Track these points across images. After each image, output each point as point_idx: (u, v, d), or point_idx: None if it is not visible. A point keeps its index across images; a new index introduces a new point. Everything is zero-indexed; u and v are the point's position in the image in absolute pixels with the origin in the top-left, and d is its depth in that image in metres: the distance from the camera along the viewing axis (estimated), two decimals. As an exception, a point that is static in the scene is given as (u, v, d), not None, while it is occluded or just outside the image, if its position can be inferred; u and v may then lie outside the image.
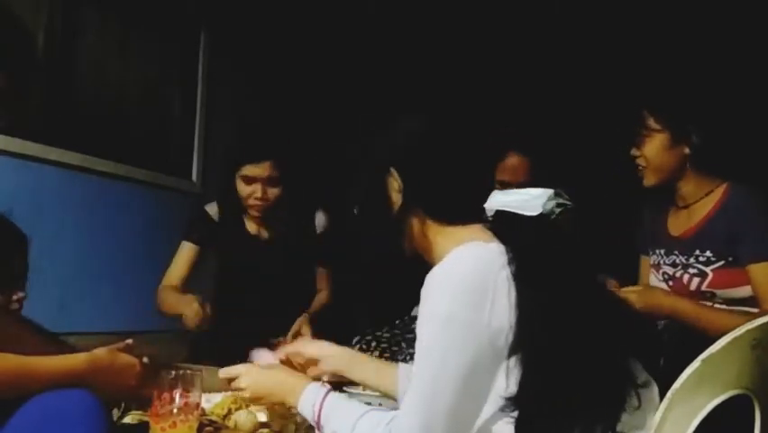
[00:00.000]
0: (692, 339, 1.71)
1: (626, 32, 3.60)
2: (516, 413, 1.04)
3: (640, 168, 1.87)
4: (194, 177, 3.49)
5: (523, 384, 1.04)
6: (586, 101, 3.71)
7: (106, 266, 2.96)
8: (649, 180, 1.86)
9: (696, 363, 0.99)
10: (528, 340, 1.04)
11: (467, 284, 1.05)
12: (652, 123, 1.81)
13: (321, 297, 2.49)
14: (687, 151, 1.80)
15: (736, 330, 1.01)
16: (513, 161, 2.35)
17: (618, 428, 1.04)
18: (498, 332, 1.04)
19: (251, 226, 2.40)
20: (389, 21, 4.04)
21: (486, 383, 1.06)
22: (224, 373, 1.40)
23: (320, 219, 2.46)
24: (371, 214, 1.26)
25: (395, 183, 1.20)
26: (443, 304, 1.05)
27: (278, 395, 1.32)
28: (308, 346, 1.49)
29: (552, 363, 1.04)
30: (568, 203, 1.15)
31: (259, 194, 2.23)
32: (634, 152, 1.87)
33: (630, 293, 1.70)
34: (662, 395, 1.07)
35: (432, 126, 1.25)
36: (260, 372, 1.38)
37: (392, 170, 1.20)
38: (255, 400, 1.38)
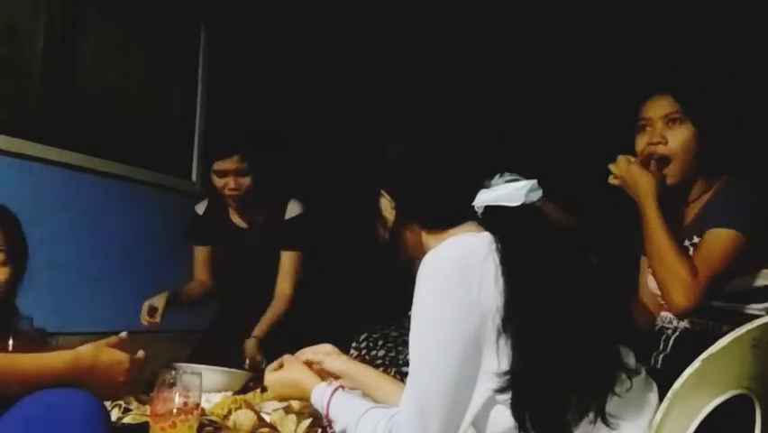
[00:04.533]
0: (692, 339, 1.71)
1: (638, 13, 3.59)
2: (509, 395, 1.06)
3: (657, 155, 1.72)
4: (194, 177, 3.49)
5: (512, 365, 1.07)
6: (588, 100, 3.71)
7: (106, 266, 2.96)
8: (675, 177, 1.72)
9: (696, 364, 0.99)
10: (514, 321, 1.07)
11: (454, 265, 1.10)
12: (679, 112, 1.71)
13: (275, 305, 2.53)
14: (708, 147, 1.72)
15: (736, 330, 1.01)
16: None
17: (612, 414, 1.06)
18: (486, 312, 1.07)
19: (234, 217, 2.64)
20: (390, 20, 4.05)
21: (477, 363, 1.09)
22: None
23: (292, 207, 2.62)
24: (368, 233, 1.31)
25: (387, 202, 1.26)
26: (432, 285, 1.10)
27: (296, 396, 1.41)
28: (334, 362, 1.46)
29: (538, 343, 1.07)
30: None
31: (231, 184, 2.49)
32: (657, 138, 1.72)
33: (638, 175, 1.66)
34: (662, 395, 1.07)
35: (417, 145, 1.30)
36: (275, 378, 1.43)
37: (383, 191, 1.26)
38: (279, 397, 1.46)
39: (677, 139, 1.71)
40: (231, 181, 2.48)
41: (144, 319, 2.36)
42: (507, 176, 1.22)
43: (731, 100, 1.87)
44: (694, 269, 1.58)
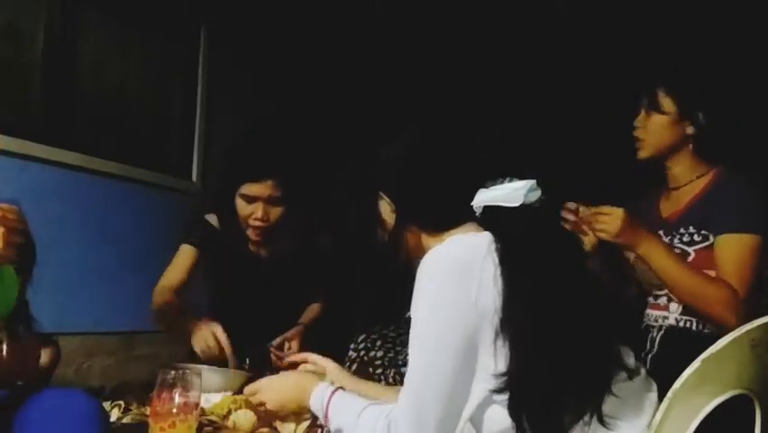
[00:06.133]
0: (679, 338, 1.72)
1: (633, 11, 3.59)
2: (506, 395, 1.06)
3: (637, 140, 1.85)
4: (194, 177, 3.49)
5: (510, 365, 1.07)
6: (587, 81, 3.71)
7: (106, 266, 2.96)
8: (644, 153, 1.85)
9: (696, 364, 0.99)
10: (513, 322, 1.07)
11: (454, 265, 1.10)
12: (660, 98, 1.80)
13: (314, 308, 2.43)
14: (689, 131, 1.79)
15: (736, 330, 1.01)
16: None
17: (611, 415, 1.06)
18: (485, 312, 1.07)
19: (252, 244, 2.28)
20: (390, 21, 4.05)
21: (474, 362, 1.09)
22: (247, 391, 1.44)
23: (323, 240, 2.42)
24: (368, 234, 1.31)
25: (386, 205, 1.26)
26: (431, 283, 1.10)
27: (294, 399, 1.37)
28: (339, 379, 1.47)
29: (536, 344, 1.07)
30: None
31: (259, 214, 2.11)
32: (636, 123, 1.85)
33: (609, 215, 1.63)
34: (662, 395, 1.07)
35: (415, 147, 1.30)
36: (273, 381, 1.42)
37: (382, 194, 1.27)
38: (278, 409, 1.40)
39: (650, 126, 1.82)
40: (259, 209, 2.10)
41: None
42: (507, 180, 1.22)
43: (720, 90, 1.88)
44: (726, 284, 1.62)
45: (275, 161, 2.15)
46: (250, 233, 2.18)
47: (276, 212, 2.14)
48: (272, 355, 2.23)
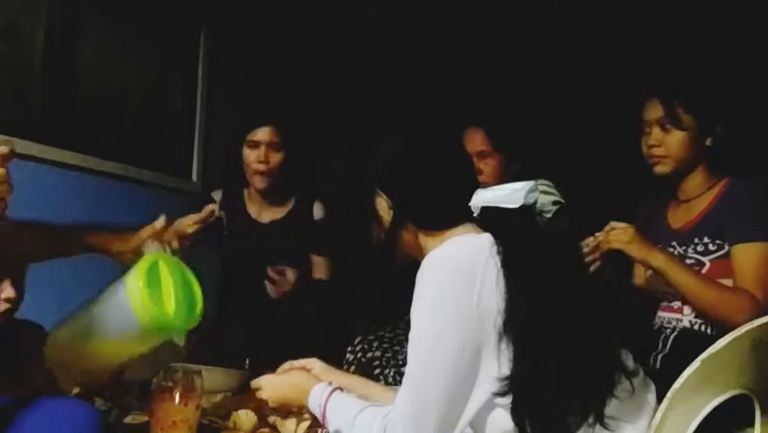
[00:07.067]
0: (692, 339, 1.72)
1: (648, 21, 3.59)
2: (509, 399, 1.05)
3: (656, 157, 1.83)
4: (194, 177, 3.48)
5: (513, 369, 1.06)
6: (593, 94, 3.70)
7: (106, 266, 2.95)
8: (664, 169, 1.83)
9: (696, 364, 0.99)
10: (516, 325, 1.06)
11: (456, 266, 1.09)
12: (679, 114, 1.78)
13: (318, 260, 2.56)
14: (708, 143, 1.78)
15: (736, 330, 1.01)
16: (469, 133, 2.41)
17: (611, 417, 1.06)
18: (487, 315, 1.07)
19: (252, 208, 2.55)
20: (389, 20, 4.05)
21: (476, 365, 1.08)
22: (253, 384, 1.45)
23: (318, 209, 2.56)
24: (362, 231, 1.31)
25: (384, 202, 1.25)
26: (432, 285, 1.10)
27: (293, 398, 1.37)
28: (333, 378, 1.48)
29: (539, 347, 1.06)
30: (561, 200, 1.19)
31: (262, 156, 2.40)
32: (653, 141, 1.82)
33: (621, 228, 1.64)
34: (662, 395, 1.07)
35: (412, 144, 1.30)
36: (274, 378, 1.42)
37: (379, 190, 1.26)
38: (279, 406, 1.41)
39: (670, 142, 1.79)
40: (261, 154, 2.41)
41: None
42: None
43: (732, 100, 1.88)
44: (745, 292, 1.63)
45: (272, 109, 2.55)
46: (254, 181, 2.45)
47: (276, 157, 2.43)
48: (269, 277, 2.37)
